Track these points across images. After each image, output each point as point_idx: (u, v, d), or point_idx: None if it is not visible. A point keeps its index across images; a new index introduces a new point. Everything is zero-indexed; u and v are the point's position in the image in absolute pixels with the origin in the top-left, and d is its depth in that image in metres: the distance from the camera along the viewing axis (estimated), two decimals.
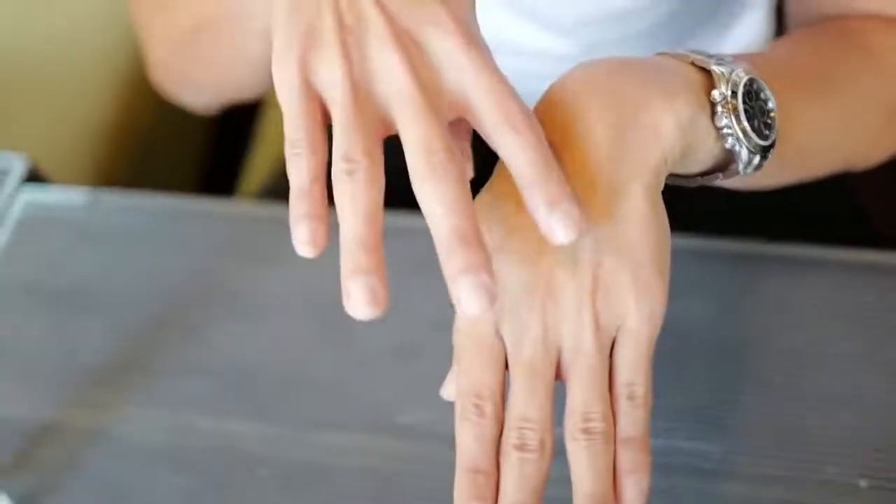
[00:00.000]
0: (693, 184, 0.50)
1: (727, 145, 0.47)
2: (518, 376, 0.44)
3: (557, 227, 0.40)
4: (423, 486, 0.58)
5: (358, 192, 0.40)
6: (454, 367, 0.46)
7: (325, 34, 0.42)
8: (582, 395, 0.44)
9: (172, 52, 0.70)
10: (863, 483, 0.56)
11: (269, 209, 0.75)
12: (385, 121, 0.42)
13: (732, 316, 0.63)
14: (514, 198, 0.43)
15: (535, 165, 0.41)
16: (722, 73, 0.47)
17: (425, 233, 0.41)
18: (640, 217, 0.44)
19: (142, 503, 0.60)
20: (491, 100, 0.42)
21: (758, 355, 0.61)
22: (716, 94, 0.46)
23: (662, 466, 0.56)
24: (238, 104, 0.75)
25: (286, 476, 0.60)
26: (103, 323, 0.67)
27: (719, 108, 0.46)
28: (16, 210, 0.73)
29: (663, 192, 0.46)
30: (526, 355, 0.44)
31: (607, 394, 0.44)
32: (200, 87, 0.74)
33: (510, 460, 0.43)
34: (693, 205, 0.59)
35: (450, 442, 0.45)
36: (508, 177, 0.43)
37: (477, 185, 0.46)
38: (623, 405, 0.44)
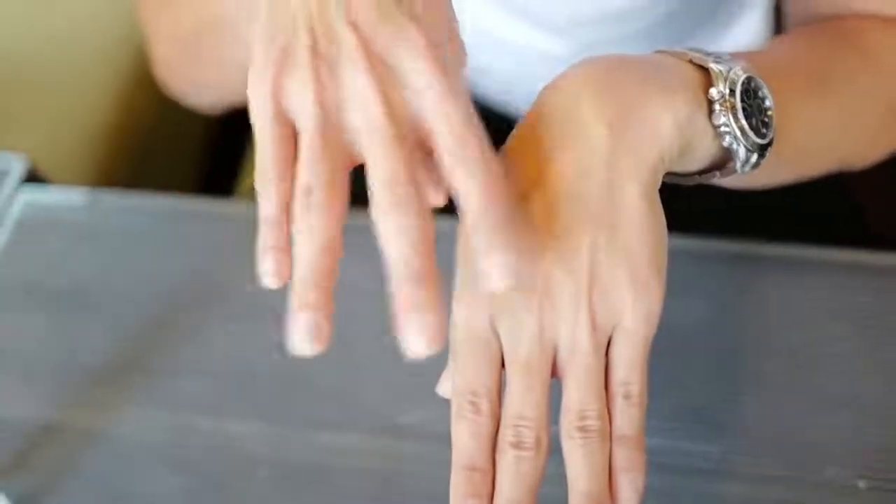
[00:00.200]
0: (690, 182, 0.50)
1: (725, 143, 0.47)
2: (514, 374, 0.44)
3: (493, 273, 0.40)
4: (423, 486, 0.58)
5: (315, 224, 0.41)
6: (450, 365, 0.46)
7: (298, 56, 0.42)
8: (578, 393, 0.44)
9: (176, 51, 0.70)
10: (861, 484, 0.56)
11: None
12: (352, 151, 0.42)
13: (731, 316, 0.63)
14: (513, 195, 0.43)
15: (479, 209, 0.41)
16: (720, 71, 0.47)
17: None
18: (637, 215, 0.44)
19: (141, 503, 0.61)
20: (448, 130, 0.42)
21: (756, 356, 0.61)
22: (714, 92, 0.46)
23: (661, 466, 0.57)
24: (239, 105, 0.75)
25: (286, 476, 0.60)
26: (103, 323, 0.67)
27: (717, 107, 0.46)
28: (15, 210, 0.73)
29: (661, 191, 0.46)
30: (522, 353, 0.44)
31: (603, 392, 0.44)
32: (203, 87, 0.74)
33: (506, 458, 0.43)
34: (691, 203, 0.59)
35: (449, 442, 0.45)
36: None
37: None
38: (619, 404, 0.44)
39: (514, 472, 0.43)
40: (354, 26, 0.42)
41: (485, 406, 0.44)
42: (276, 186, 0.42)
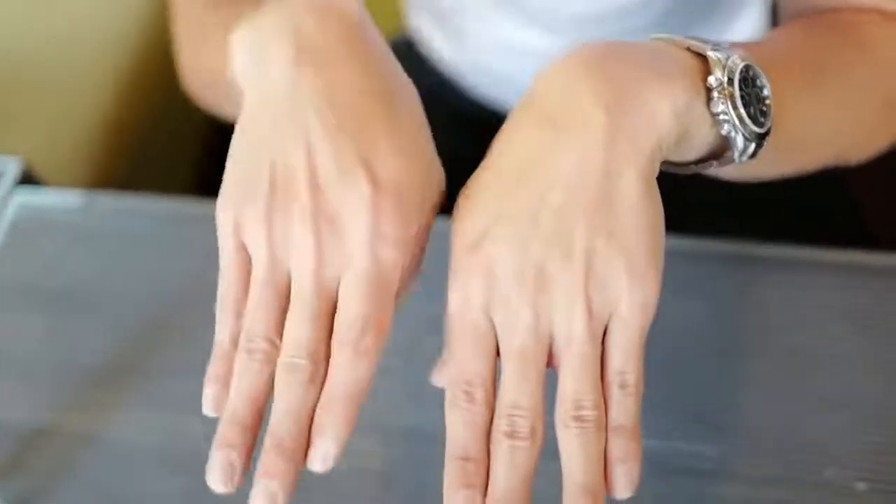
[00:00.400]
0: (687, 171, 0.49)
1: (723, 132, 0.46)
2: (509, 363, 0.44)
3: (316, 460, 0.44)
4: (423, 486, 0.58)
5: (248, 373, 0.44)
6: (444, 354, 0.46)
7: (258, 199, 0.44)
8: (574, 382, 0.43)
9: (196, 79, 0.69)
10: (861, 485, 0.56)
11: None
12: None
13: (730, 317, 0.62)
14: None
15: (328, 399, 0.44)
16: (718, 58, 0.46)
17: None
18: (634, 203, 0.44)
19: None
20: (351, 303, 0.44)
21: (755, 357, 0.61)
22: (712, 80, 0.46)
23: (660, 468, 0.56)
24: None
25: None
26: (99, 325, 0.67)
27: (715, 94, 0.46)
28: (9, 212, 0.73)
29: (658, 180, 0.45)
30: (517, 343, 0.44)
31: (599, 382, 0.44)
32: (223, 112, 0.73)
33: (501, 448, 0.43)
34: (687, 194, 0.59)
35: None
36: (499, 162, 0.43)
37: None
38: (614, 393, 0.44)
39: (508, 462, 0.43)
40: (312, 171, 0.44)
41: (479, 395, 0.44)
42: (231, 320, 0.45)
